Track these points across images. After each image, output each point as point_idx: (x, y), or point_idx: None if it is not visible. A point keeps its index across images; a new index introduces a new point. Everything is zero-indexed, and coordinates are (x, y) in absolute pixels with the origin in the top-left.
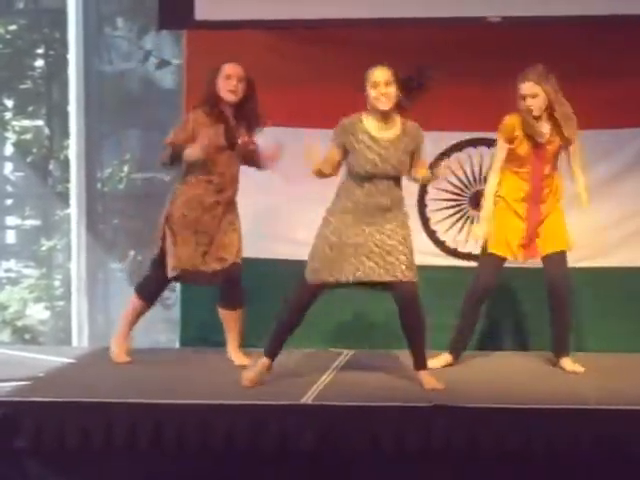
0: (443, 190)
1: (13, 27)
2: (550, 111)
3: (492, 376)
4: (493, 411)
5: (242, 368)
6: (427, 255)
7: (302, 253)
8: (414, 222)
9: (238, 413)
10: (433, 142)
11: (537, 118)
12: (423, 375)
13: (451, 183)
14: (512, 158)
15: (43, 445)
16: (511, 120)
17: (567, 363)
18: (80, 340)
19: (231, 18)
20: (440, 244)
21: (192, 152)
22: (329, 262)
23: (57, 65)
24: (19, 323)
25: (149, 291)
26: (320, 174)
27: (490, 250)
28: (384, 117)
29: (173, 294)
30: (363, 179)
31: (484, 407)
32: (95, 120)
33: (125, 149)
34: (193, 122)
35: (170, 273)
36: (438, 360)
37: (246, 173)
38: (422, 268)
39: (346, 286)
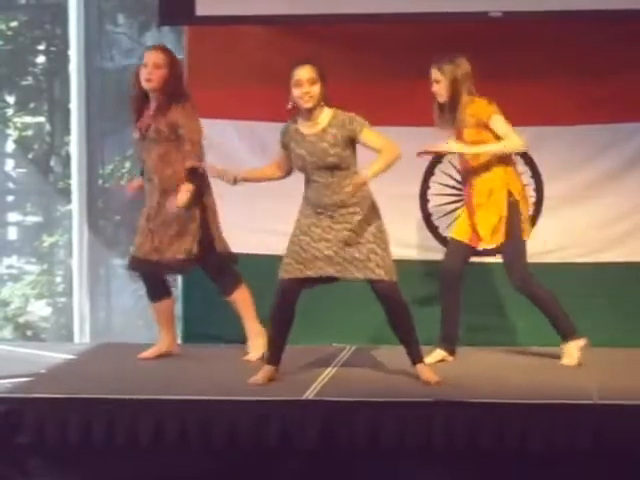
0: (446, 185)
1: (14, 23)
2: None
3: (491, 371)
4: (494, 406)
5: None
6: (430, 250)
7: None
8: (416, 217)
9: (240, 409)
10: (434, 137)
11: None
12: (420, 369)
13: (454, 178)
14: None
15: (45, 441)
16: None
17: (568, 348)
18: (82, 336)
19: (232, 14)
20: (442, 240)
21: None
22: (300, 258)
23: (58, 61)
24: (21, 319)
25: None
26: (249, 180)
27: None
28: (310, 114)
29: (175, 290)
30: (307, 177)
31: (485, 402)
32: (96, 116)
33: (126, 145)
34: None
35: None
36: (431, 356)
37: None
38: (425, 263)
39: (324, 281)
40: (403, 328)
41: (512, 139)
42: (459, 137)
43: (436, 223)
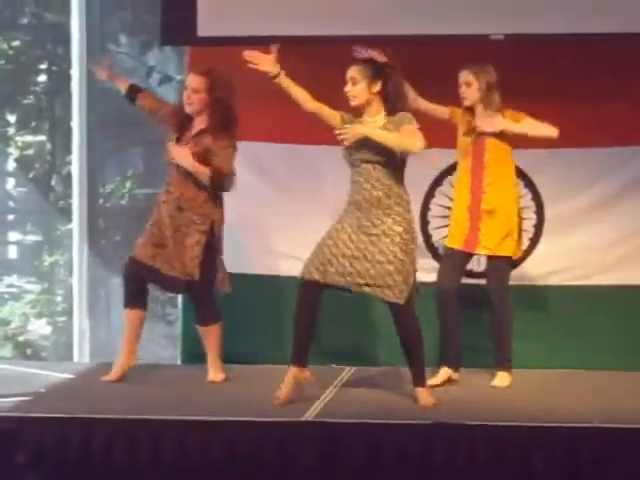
0: (445, 207)
1: (16, 43)
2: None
3: (490, 393)
4: (494, 428)
5: (213, 383)
6: (429, 272)
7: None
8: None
9: (239, 430)
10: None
11: (470, 109)
12: (419, 392)
13: (452, 199)
14: (459, 148)
15: (44, 460)
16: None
17: (501, 377)
18: (81, 355)
19: (233, 34)
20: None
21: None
22: (322, 261)
23: (60, 81)
24: (21, 338)
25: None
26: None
27: (445, 244)
28: (360, 114)
29: (175, 310)
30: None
31: (485, 424)
32: (97, 136)
33: (127, 165)
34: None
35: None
36: (437, 377)
37: (248, 189)
38: (426, 285)
39: (341, 289)
40: (410, 350)
41: (549, 126)
42: (480, 144)
43: (436, 245)
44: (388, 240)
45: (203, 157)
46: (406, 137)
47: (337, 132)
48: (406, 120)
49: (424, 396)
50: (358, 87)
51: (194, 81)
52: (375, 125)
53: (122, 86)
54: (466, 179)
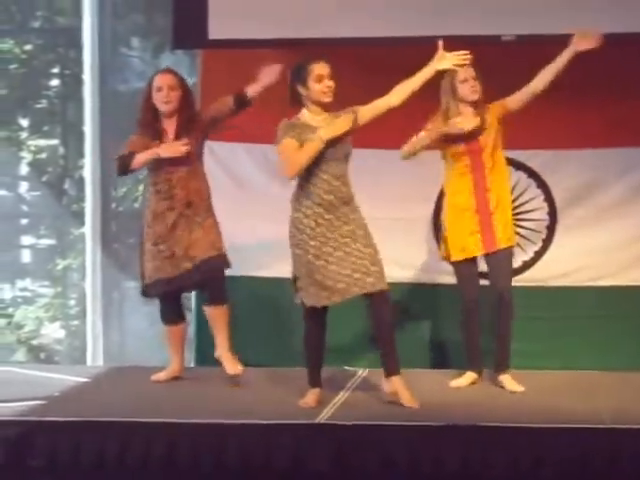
0: None
1: (28, 47)
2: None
3: (503, 395)
4: (507, 430)
5: (233, 378)
6: (435, 273)
7: None
8: (421, 239)
9: (253, 432)
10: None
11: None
12: (395, 380)
13: None
14: (450, 154)
15: (58, 464)
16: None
17: (507, 381)
18: (95, 359)
19: (245, 37)
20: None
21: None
22: (324, 285)
23: (72, 85)
24: (34, 342)
25: (163, 313)
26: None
27: (453, 260)
28: (323, 109)
29: (188, 313)
30: (316, 169)
31: (498, 426)
32: (110, 139)
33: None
34: (131, 146)
35: (142, 289)
36: (464, 378)
37: (249, 190)
38: (431, 286)
39: None
40: (389, 339)
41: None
42: (474, 144)
43: None
44: (361, 233)
45: (198, 147)
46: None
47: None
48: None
49: (398, 384)
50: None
51: (168, 79)
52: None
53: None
54: (465, 183)
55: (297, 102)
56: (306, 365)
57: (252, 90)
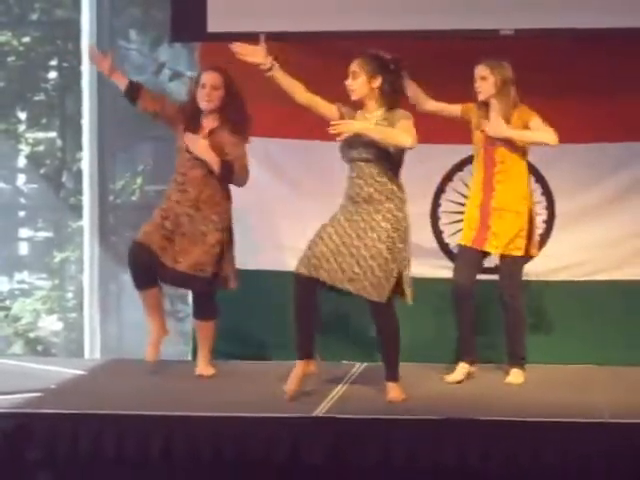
0: (456, 203)
1: (26, 39)
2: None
3: (502, 389)
4: (506, 424)
5: (201, 377)
6: (440, 268)
7: None
8: (425, 235)
9: (250, 425)
10: (446, 154)
11: (485, 103)
12: (390, 386)
13: (463, 195)
14: (475, 141)
15: (55, 456)
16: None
17: (514, 374)
18: (92, 351)
19: (244, 30)
20: (454, 257)
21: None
22: (308, 256)
23: (70, 77)
24: (32, 334)
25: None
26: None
27: (457, 242)
28: (360, 107)
29: (185, 307)
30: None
31: (497, 420)
32: (108, 132)
33: (138, 161)
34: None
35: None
36: (456, 373)
37: (259, 185)
38: (435, 281)
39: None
40: (387, 347)
41: (550, 133)
42: (492, 139)
43: (447, 240)
44: (374, 235)
45: (217, 154)
46: (398, 132)
47: (331, 124)
48: (402, 116)
49: (395, 391)
50: (358, 81)
51: (213, 78)
52: (371, 121)
53: (121, 83)
54: (479, 176)
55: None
56: (295, 335)
57: None
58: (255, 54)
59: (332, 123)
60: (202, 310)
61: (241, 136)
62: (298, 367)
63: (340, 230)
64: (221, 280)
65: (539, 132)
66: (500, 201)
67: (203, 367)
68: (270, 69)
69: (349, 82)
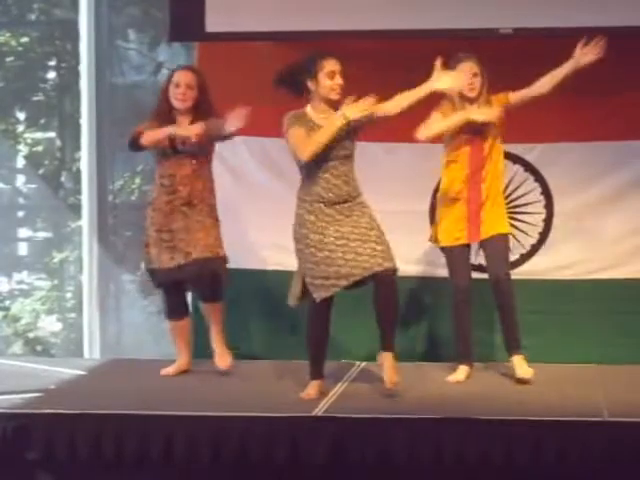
0: None
1: (25, 39)
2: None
3: (501, 388)
4: (505, 423)
5: (225, 373)
6: (436, 267)
7: None
8: (422, 233)
9: (250, 424)
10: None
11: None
12: (386, 357)
13: None
14: (453, 141)
15: (54, 457)
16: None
17: (518, 363)
18: (92, 352)
19: (242, 30)
20: None
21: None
22: (324, 276)
23: (69, 77)
24: (31, 335)
25: (167, 308)
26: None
27: (441, 245)
28: (332, 107)
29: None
30: (316, 168)
31: (496, 419)
32: (107, 132)
33: (137, 161)
34: (143, 128)
35: (148, 273)
36: (458, 373)
37: (256, 184)
38: (431, 280)
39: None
40: (393, 319)
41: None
42: (479, 135)
43: None
44: (363, 220)
45: (205, 145)
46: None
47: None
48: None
49: (390, 366)
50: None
51: (187, 77)
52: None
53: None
54: (461, 173)
55: (300, 94)
56: (308, 358)
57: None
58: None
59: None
60: (215, 292)
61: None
62: (313, 387)
63: (337, 234)
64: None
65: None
66: (489, 191)
67: (223, 359)
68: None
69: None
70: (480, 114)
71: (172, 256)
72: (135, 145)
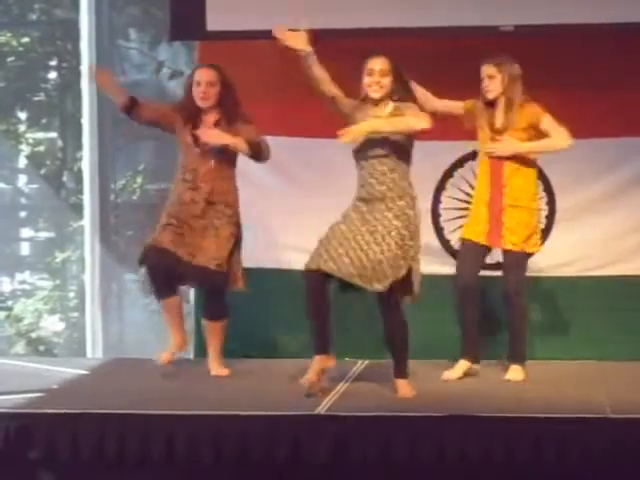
0: (457, 199)
1: (26, 39)
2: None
3: (503, 385)
4: (507, 420)
5: (218, 377)
6: (441, 265)
7: None
8: (427, 231)
9: (252, 423)
10: (447, 151)
11: (492, 103)
12: (399, 383)
13: (464, 192)
14: (480, 138)
15: (57, 456)
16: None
17: (513, 369)
18: (94, 351)
19: (243, 28)
20: (455, 254)
21: None
22: (319, 251)
23: (70, 77)
24: (33, 335)
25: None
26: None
27: (460, 236)
28: (376, 105)
29: (187, 305)
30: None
31: (498, 416)
32: (108, 131)
33: (138, 160)
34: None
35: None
36: (455, 370)
37: (260, 183)
38: (438, 278)
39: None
40: (395, 343)
41: (563, 134)
42: (499, 137)
43: (448, 237)
44: (385, 232)
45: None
46: (408, 118)
47: (339, 133)
48: (410, 105)
49: (404, 387)
50: (387, 79)
51: (209, 75)
52: (383, 115)
53: (120, 98)
54: (485, 172)
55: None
56: (312, 331)
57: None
58: (297, 39)
59: (340, 133)
60: (214, 309)
61: (246, 120)
62: (316, 362)
63: (352, 227)
64: (231, 279)
65: (550, 140)
66: (512, 197)
67: (218, 368)
68: (309, 54)
69: (378, 79)
70: (492, 149)
71: (174, 241)
72: (128, 110)
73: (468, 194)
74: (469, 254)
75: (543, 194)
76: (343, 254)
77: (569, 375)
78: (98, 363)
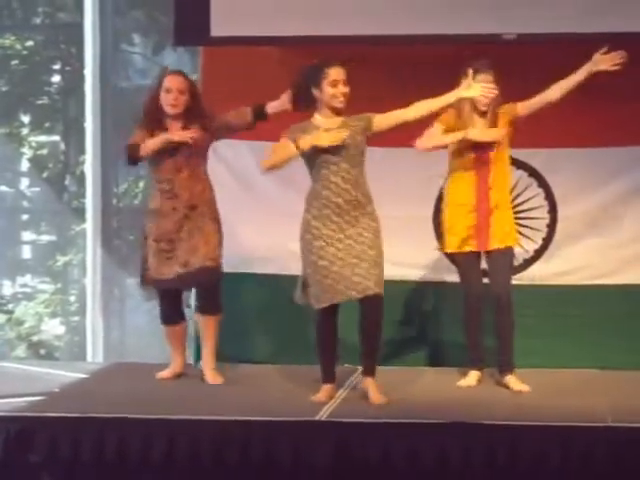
0: None
1: (30, 43)
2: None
3: (504, 393)
4: (509, 428)
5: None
6: (438, 272)
7: None
8: (425, 238)
9: (253, 429)
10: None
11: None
12: (368, 382)
13: None
14: (458, 148)
15: (58, 460)
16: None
17: (512, 381)
18: (95, 355)
19: (247, 34)
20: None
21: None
22: (327, 285)
23: (73, 81)
24: (34, 338)
25: (162, 314)
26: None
27: (450, 252)
28: (335, 114)
29: (187, 310)
30: (324, 169)
31: (500, 424)
32: (111, 136)
33: (141, 165)
34: (137, 138)
35: (141, 278)
36: (469, 378)
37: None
38: (433, 284)
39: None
40: (375, 342)
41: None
42: (485, 143)
43: None
44: (367, 235)
45: (201, 147)
46: (401, 112)
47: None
48: (369, 114)
49: (375, 389)
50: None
51: (178, 82)
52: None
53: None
54: (469, 180)
55: (306, 102)
56: (319, 362)
57: (272, 107)
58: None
59: (329, 137)
60: (211, 304)
61: (210, 118)
62: (325, 391)
63: (339, 245)
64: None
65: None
66: (496, 199)
67: (214, 377)
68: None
69: (346, 89)
70: (483, 135)
71: (171, 267)
72: (134, 159)
73: (448, 205)
74: (470, 265)
75: (544, 202)
76: (338, 279)
77: (570, 383)
78: (99, 367)
